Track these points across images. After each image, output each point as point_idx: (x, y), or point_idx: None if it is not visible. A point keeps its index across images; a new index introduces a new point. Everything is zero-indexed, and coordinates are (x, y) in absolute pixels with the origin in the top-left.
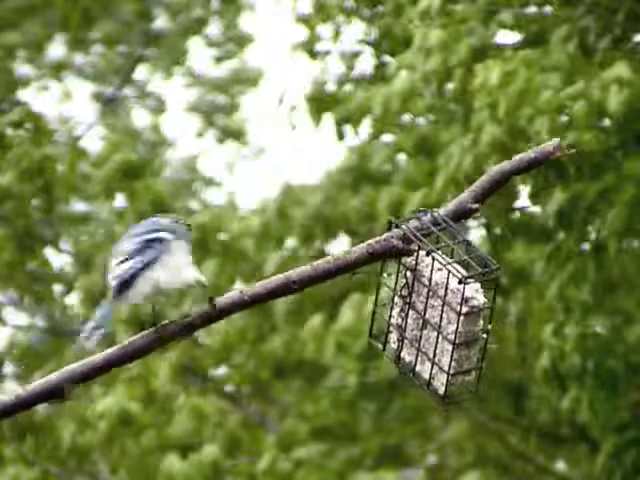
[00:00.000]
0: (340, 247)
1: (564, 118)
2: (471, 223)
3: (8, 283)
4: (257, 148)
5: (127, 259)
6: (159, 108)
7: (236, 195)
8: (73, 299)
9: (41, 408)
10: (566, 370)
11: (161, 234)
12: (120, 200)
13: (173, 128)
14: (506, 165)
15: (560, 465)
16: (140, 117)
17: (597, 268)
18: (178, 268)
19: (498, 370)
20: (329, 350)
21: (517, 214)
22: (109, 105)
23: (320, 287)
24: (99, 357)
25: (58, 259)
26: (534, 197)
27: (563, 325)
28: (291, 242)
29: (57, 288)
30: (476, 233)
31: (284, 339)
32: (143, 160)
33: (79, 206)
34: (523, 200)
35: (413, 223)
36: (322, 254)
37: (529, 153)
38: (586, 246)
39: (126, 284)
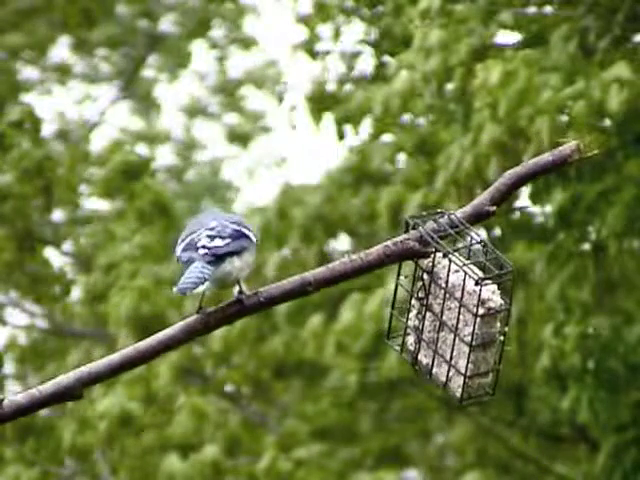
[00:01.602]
0: (340, 247)
1: (564, 118)
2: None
3: (8, 283)
4: (279, 157)
5: (223, 237)
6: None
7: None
8: (73, 299)
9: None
10: (566, 370)
11: (251, 235)
12: (120, 200)
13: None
14: (522, 168)
15: (560, 465)
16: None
17: (597, 268)
18: (245, 268)
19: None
20: (329, 350)
21: (517, 214)
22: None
23: None
24: (116, 356)
25: (58, 259)
26: (534, 197)
27: (563, 325)
28: (291, 242)
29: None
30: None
31: (284, 339)
32: (143, 160)
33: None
34: (523, 200)
35: (430, 225)
36: (322, 254)
37: (547, 156)
38: (586, 246)
39: (216, 259)
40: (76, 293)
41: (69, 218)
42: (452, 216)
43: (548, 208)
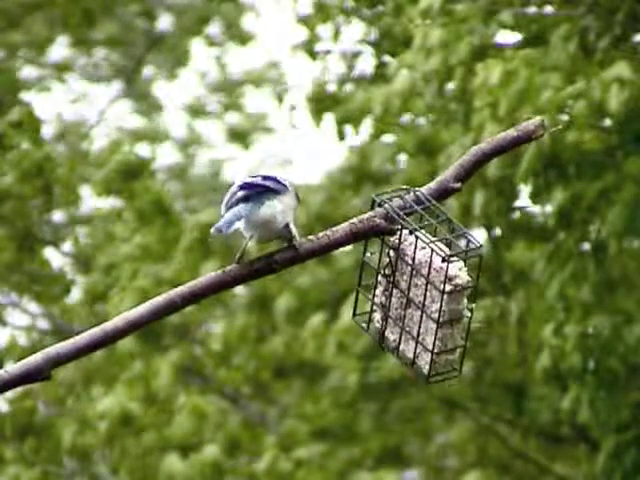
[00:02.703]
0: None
1: (565, 117)
2: (472, 223)
3: (8, 283)
4: (280, 157)
5: (255, 177)
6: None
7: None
8: (73, 299)
9: (42, 408)
10: (566, 370)
11: (286, 183)
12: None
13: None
14: (487, 145)
15: (560, 465)
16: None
17: (597, 268)
18: (288, 211)
19: (498, 370)
20: (330, 350)
21: (517, 214)
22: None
23: (321, 287)
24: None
25: (58, 259)
26: (534, 197)
27: (563, 325)
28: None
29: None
30: (476, 233)
31: (284, 339)
32: (143, 160)
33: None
34: (523, 200)
35: (396, 202)
36: None
37: (511, 132)
38: (586, 246)
39: (253, 196)
40: (76, 293)
41: (69, 217)
42: (418, 193)
43: (548, 208)
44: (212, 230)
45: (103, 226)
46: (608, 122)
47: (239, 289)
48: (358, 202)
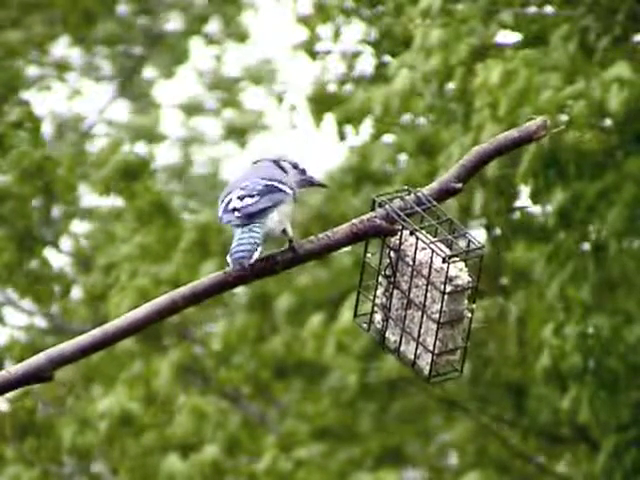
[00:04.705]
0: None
1: (564, 118)
2: (472, 223)
3: (8, 283)
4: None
5: (252, 196)
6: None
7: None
8: (73, 299)
9: (42, 408)
10: (566, 370)
11: (284, 187)
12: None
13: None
14: (488, 145)
15: (560, 465)
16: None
17: (597, 268)
18: (284, 219)
19: (498, 370)
20: (329, 350)
21: (517, 214)
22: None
23: (321, 287)
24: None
25: (58, 259)
26: (534, 197)
27: (563, 325)
28: None
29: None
30: (476, 233)
31: (284, 339)
32: (142, 160)
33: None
34: (523, 200)
35: (397, 203)
36: None
37: (512, 132)
38: (586, 246)
39: (252, 216)
40: (76, 293)
41: (64, 213)
42: (419, 194)
43: (548, 208)
44: (230, 261)
45: (103, 226)
46: (608, 122)
47: (239, 289)
48: (358, 202)
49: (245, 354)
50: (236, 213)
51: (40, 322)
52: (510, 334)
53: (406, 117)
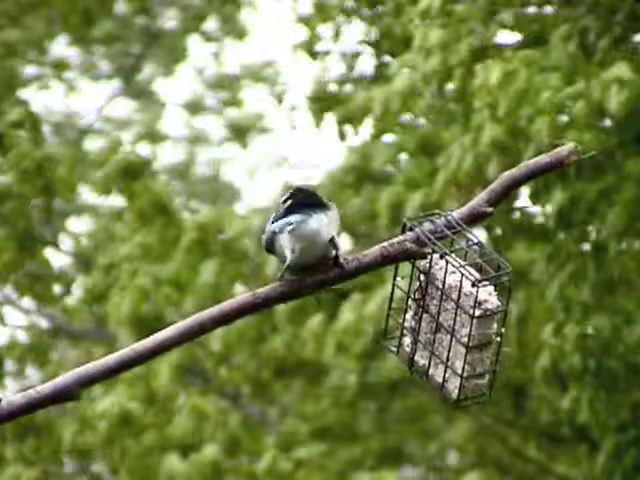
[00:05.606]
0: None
1: (564, 118)
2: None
3: (7, 283)
4: (280, 157)
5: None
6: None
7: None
8: (73, 299)
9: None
10: (566, 370)
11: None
12: (119, 200)
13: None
14: (518, 171)
15: (560, 465)
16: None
17: (597, 268)
18: (333, 225)
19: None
20: (329, 350)
21: (517, 214)
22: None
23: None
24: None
25: (58, 259)
26: (534, 197)
27: (563, 325)
28: None
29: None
30: (476, 233)
31: (284, 339)
32: (143, 160)
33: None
34: (523, 200)
35: (427, 226)
36: None
37: (543, 157)
38: (586, 246)
39: (297, 208)
40: (76, 293)
41: (62, 211)
42: (449, 217)
43: (548, 208)
44: (263, 239)
45: (103, 226)
46: (608, 122)
47: (238, 289)
48: (358, 202)
49: (245, 354)
50: (290, 198)
51: (38, 321)
52: (510, 334)
53: (406, 117)
